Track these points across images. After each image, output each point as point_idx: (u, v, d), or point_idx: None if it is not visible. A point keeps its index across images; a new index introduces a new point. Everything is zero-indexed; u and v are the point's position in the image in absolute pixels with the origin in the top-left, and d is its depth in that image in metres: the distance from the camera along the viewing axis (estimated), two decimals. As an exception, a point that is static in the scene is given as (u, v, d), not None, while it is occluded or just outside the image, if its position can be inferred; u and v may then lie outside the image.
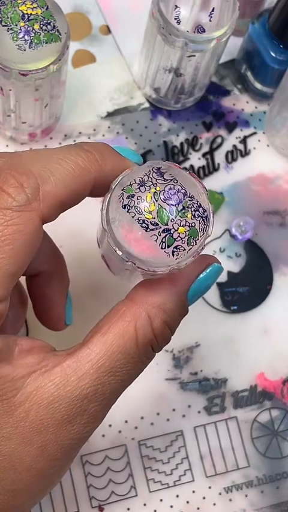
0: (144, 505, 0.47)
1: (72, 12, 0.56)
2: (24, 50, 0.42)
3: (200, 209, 0.33)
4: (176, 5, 0.45)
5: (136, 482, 0.47)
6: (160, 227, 0.33)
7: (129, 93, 0.54)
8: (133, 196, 0.33)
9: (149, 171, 0.33)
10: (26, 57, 0.42)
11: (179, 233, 0.33)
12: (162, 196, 0.33)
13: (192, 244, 0.33)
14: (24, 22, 0.42)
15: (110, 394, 0.34)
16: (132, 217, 0.33)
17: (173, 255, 0.33)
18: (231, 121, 0.54)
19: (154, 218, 0.33)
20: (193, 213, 0.33)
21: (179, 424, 0.48)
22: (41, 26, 0.42)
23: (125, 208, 0.33)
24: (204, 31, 0.45)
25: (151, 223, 0.33)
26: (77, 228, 0.48)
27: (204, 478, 0.48)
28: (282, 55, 0.51)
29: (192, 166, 0.53)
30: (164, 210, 0.33)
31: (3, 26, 0.42)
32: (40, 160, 0.34)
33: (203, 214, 0.34)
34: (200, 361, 0.49)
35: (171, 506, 0.47)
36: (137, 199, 0.33)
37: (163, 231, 0.33)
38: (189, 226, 0.33)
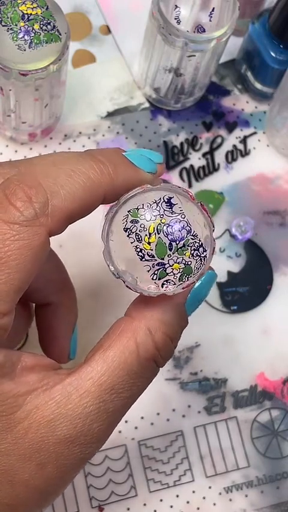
0: (144, 505, 0.47)
1: (72, 12, 0.56)
2: (24, 50, 0.42)
3: (200, 249, 0.33)
4: (176, 5, 0.45)
5: (136, 482, 0.47)
6: (156, 260, 0.32)
7: (129, 93, 0.54)
8: (137, 222, 0.33)
9: (160, 199, 0.33)
10: (26, 57, 0.42)
11: (173, 269, 0.33)
12: (165, 230, 0.32)
13: (183, 280, 0.33)
14: (24, 22, 0.42)
15: (113, 412, 0.34)
16: (131, 243, 0.32)
17: (162, 286, 0.33)
18: (231, 121, 0.54)
19: (152, 250, 0.32)
20: (192, 252, 0.33)
21: (179, 424, 0.48)
22: (41, 26, 0.42)
23: (126, 231, 0.33)
24: (204, 31, 0.45)
25: (148, 254, 0.32)
26: (78, 229, 0.48)
27: (204, 478, 0.48)
28: (282, 55, 0.51)
29: (192, 166, 0.53)
30: (164, 245, 0.32)
31: (3, 26, 0.42)
32: (51, 172, 0.33)
33: (202, 254, 0.33)
34: (200, 361, 0.49)
35: (171, 506, 0.47)
36: (140, 226, 0.32)
37: (157, 264, 0.33)
38: (184, 264, 0.33)
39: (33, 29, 0.42)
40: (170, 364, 0.49)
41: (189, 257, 0.33)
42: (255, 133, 0.55)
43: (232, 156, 0.54)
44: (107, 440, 0.35)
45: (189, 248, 0.33)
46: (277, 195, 0.53)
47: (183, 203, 0.33)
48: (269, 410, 0.49)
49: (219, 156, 0.54)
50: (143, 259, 0.32)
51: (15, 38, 0.42)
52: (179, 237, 0.33)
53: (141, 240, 0.32)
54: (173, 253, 0.32)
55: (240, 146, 0.54)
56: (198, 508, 0.47)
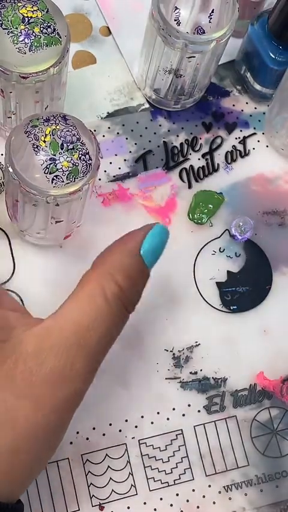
0: (144, 503, 0.47)
1: (72, 13, 0.56)
2: (25, 53, 0.42)
3: (87, 155, 0.40)
4: (175, 7, 0.46)
5: (136, 481, 0.47)
6: (48, 155, 0.39)
7: (129, 94, 0.54)
8: (36, 127, 0.40)
9: (57, 115, 0.40)
10: (27, 60, 0.42)
11: (63, 166, 0.39)
12: (58, 133, 0.39)
13: (70, 180, 0.39)
14: (25, 25, 0.42)
15: (91, 347, 0.36)
16: (29, 141, 0.39)
17: (52, 182, 0.39)
18: (231, 122, 0.55)
19: (46, 147, 0.39)
20: (80, 156, 0.39)
21: (179, 423, 0.48)
22: (41, 29, 0.42)
23: (26, 133, 0.40)
24: (203, 32, 0.46)
25: (42, 150, 0.39)
26: (79, 231, 0.49)
27: (204, 477, 0.48)
28: (281, 56, 0.51)
29: (192, 167, 0.53)
30: (56, 144, 0.39)
31: (4, 29, 0.42)
32: None
33: (88, 160, 0.40)
34: (200, 360, 0.50)
35: (171, 505, 0.47)
36: (39, 129, 0.40)
37: (50, 159, 0.39)
38: (73, 164, 0.39)
39: (33, 32, 0.42)
40: (170, 363, 0.49)
41: (77, 159, 0.39)
42: (254, 134, 0.55)
43: (232, 156, 0.54)
44: (92, 379, 0.37)
45: (77, 151, 0.39)
46: (276, 196, 0.53)
47: (75, 122, 0.40)
48: (268, 409, 0.49)
49: (219, 157, 0.54)
50: (38, 154, 0.39)
51: (15, 41, 0.42)
52: (69, 141, 0.39)
53: (38, 139, 0.39)
54: (63, 152, 0.39)
55: (240, 147, 0.54)
56: (198, 507, 0.47)
